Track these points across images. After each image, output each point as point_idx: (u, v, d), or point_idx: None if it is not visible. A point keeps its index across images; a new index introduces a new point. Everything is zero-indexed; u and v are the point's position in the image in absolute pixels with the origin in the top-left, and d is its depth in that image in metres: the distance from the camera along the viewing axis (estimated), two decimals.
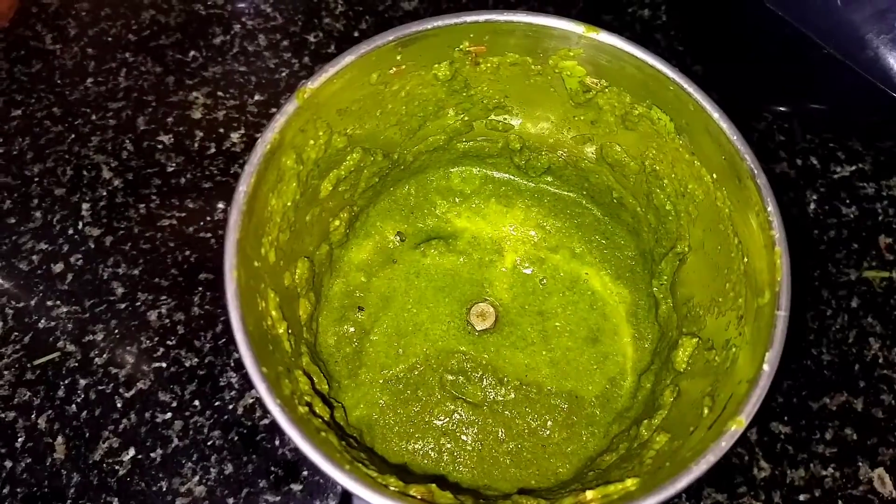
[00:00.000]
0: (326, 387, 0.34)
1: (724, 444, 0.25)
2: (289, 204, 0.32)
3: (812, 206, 0.48)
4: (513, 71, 0.35)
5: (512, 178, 0.42)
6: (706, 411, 0.28)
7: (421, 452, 0.37)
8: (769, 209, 0.29)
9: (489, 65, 0.34)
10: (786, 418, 0.41)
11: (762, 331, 0.27)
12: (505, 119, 0.39)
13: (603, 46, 0.32)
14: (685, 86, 0.31)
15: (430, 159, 0.41)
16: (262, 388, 0.25)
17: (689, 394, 0.31)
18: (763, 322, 0.28)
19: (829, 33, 0.38)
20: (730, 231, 0.31)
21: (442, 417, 0.37)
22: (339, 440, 0.29)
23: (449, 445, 0.37)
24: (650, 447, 0.30)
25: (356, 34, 0.51)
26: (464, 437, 0.37)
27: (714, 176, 0.32)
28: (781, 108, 0.49)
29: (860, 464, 0.41)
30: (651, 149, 0.35)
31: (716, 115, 0.30)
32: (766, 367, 0.26)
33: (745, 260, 0.30)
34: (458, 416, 0.37)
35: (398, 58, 0.32)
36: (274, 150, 0.29)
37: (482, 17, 0.31)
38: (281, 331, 0.31)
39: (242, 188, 0.28)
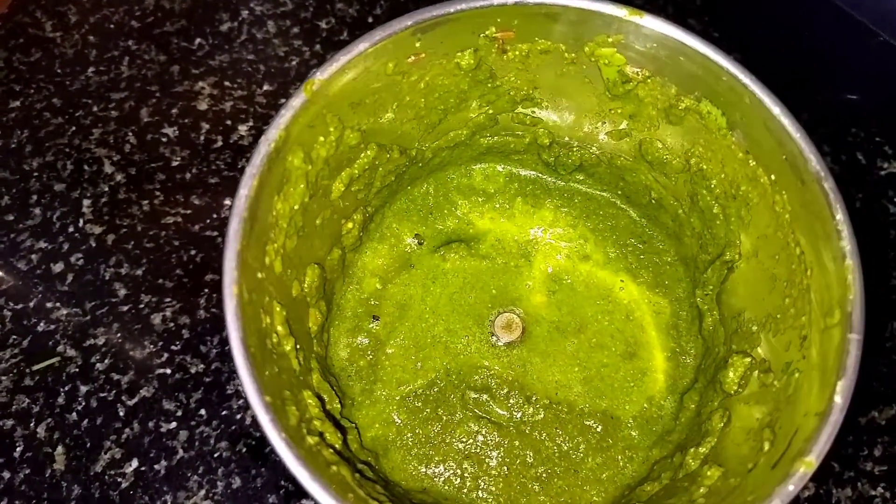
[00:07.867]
0: (339, 405, 0.32)
1: (793, 487, 0.23)
2: (296, 207, 0.30)
3: (857, 204, 0.45)
4: (543, 59, 0.33)
5: (540, 175, 0.40)
6: (767, 446, 0.26)
7: (442, 477, 0.35)
8: (838, 217, 0.26)
9: (517, 52, 0.32)
10: None
11: (831, 356, 0.25)
12: (533, 112, 0.36)
13: (646, 32, 0.30)
14: (741, 77, 0.29)
15: (451, 156, 0.39)
16: (265, 421, 0.23)
17: (742, 421, 0.29)
18: (832, 345, 0.25)
19: (885, 19, 0.36)
20: (790, 239, 0.29)
21: (464, 439, 0.35)
22: (352, 473, 0.27)
23: (472, 470, 0.35)
24: (700, 482, 0.27)
25: (370, 20, 0.49)
26: (488, 461, 0.35)
27: (772, 177, 0.30)
28: (822, 99, 0.47)
29: None
30: (698, 146, 0.33)
31: (776, 109, 0.28)
32: (837, 398, 0.24)
33: (809, 273, 0.27)
34: (481, 438, 0.35)
35: (417, 45, 0.30)
36: (279, 148, 0.27)
37: None
38: (288, 348, 0.29)
39: (243, 192, 0.26)
